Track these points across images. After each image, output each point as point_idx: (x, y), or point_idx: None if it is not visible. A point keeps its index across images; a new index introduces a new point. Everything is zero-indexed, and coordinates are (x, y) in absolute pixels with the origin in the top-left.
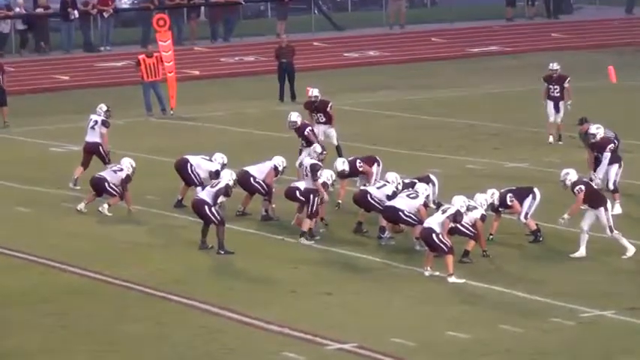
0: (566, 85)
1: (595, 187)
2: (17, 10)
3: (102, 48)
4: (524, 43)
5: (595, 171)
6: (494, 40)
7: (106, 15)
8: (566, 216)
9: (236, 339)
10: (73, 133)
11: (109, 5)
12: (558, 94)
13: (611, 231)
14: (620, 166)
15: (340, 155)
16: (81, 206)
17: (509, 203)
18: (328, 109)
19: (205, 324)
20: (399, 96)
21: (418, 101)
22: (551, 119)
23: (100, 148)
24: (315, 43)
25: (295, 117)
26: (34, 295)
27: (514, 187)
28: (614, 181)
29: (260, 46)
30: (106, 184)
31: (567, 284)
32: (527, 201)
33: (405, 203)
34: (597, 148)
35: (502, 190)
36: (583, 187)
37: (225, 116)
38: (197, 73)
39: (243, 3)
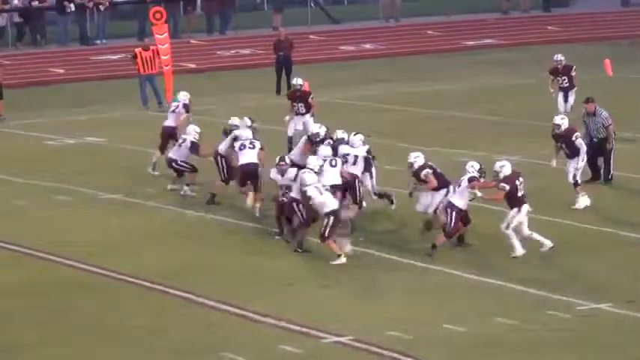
0: (573, 74)
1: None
2: (14, 2)
3: (98, 41)
4: (519, 36)
5: (572, 159)
6: (489, 33)
7: (102, 8)
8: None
9: (233, 332)
10: (68, 127)
11: None
12: (567, 84)
13: (507, 228)
14: (582, 160)
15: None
16: (171, 186)
17: (422, 177)
18: (310, 99)
19: (203, 317)
20: (395, 89)
21: (413, 94)
22: (562, 109)
23: (177, 132)
24: (311, 36)
25: (301, 81)
26: (31, 288)
27: (440, 171)
28: (574, 174)
29: (256, 39)
30: (174, 164)
31: (564, 277)
32: (440, 194)
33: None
34: (561, 139)
35: (427, 163)
36: (507, 186)
37: (222, 109)
38: (193, 66)
39: None
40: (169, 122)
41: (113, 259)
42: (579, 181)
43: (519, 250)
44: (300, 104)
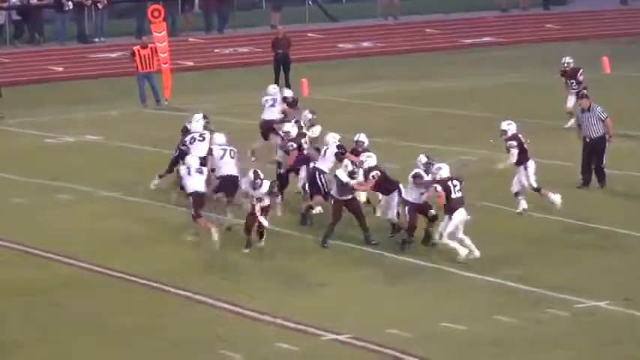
0: (580, 77)
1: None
2: (12, 0)
3: (96, 39)
4: (518, 34)
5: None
6: (488, 31)
7: (100, 6)
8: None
9: (230, 330)
10: (67, 124)
11: None
12: (576, 88)
13: (440, 238)
14: (527, 168)
15: None
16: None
17: (369, 177)
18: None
19: (200, 315)
20: (393, 87)
21: (412, 92)
22: (569, 105)
23: (275, 125)
24: (309, 34)
25: (291, 93)
26: (29, 286)
27: (383, 171)
28: (529, 181)
29: (254, 37)
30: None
31: (562, 275)
32: (393, 196)
33: None
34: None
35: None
36: (440, 187)
37: (220, 107)
38: (191, 64)
39: None
40: (269, 116)
41: (111, 257)
42: (535, 187)
43: (463, 252)
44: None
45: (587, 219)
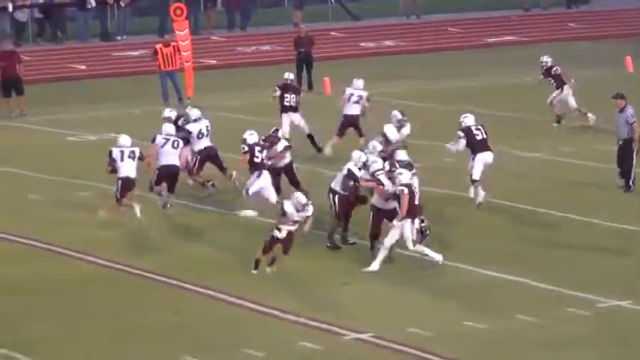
0: (555, 72)
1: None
2: None
3: (119, 37)
4: (540, 33)
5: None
6: (510, 30)
7: (122, 4)
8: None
9: (253, 329)
10: (89, 122)
11: None
12: (554, 83)
13: (413, 244)
14: (483, 160)
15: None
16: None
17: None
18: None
19: (222, 314)
20: (415, 85)
21: (434, 91)
22: (572, 103)
23: (359, 120)
24: (331, 33)
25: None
26: (51, 283)
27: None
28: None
29: (277, 35)
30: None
31: (584, 274)
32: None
33: None
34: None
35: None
36: (407, 190)
37: (242, 105)
38: (214, 62)
39: None
40: (353, 111)
41: (132, 254)
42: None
43: (437, 256)
44: (292, 96)
45: (611, 219)
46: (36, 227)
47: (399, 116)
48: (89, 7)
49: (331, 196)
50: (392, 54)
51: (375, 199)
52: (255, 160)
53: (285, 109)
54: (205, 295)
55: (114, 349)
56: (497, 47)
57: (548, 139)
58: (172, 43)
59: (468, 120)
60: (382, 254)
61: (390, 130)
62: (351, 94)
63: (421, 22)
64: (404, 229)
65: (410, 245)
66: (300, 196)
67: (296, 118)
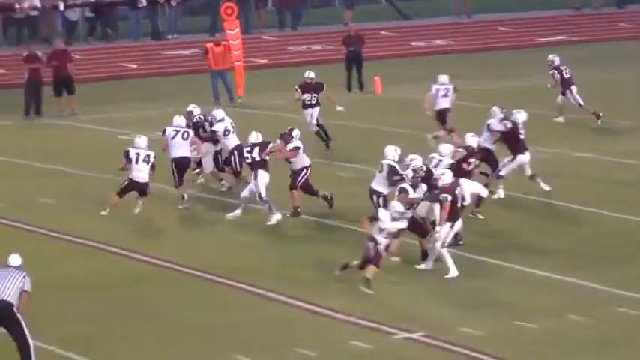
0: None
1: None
2: None
3: (169, 36)
4: (591, 33)
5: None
6: (560, 30)
7: (173, 3)
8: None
9: (303, 328)
10: (140, 122)
11: None
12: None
13: (442, 245)
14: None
15: (326, 137)
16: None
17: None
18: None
19: (272, 313)
20: (466, 85)
21: (484, 90)
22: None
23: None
24: (382, 33)
25: (313, 74)
26: (102, 281)
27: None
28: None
29: (327, 34)
30: None
31: (635, 274)
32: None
33: None
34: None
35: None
36: (450, 198)
37: (293, 105)
38: (265, 61)
39: None
40: (444, 104)
41: (181, 253)
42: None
43: (454, 271)
44: (313, 95)
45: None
46: (87, 226)
47: (499, 112)
48: (140, 5)
49: (375, 197)
50: (442, 53)
51: (397, 205)
52: (246, 160)
53: (305, 106)
54: (256, 294)
55: (163, 348)
56: (547, 47)
57: (597, 138)
58: (223, 43)
59: (519, 116)
60: (450, 261)
61: (497, 126)
62: (438, 89)
63: (471, 21)
64: (441, 229)
65: (438, 245)
66: (397, 205)
67: (315, 112)
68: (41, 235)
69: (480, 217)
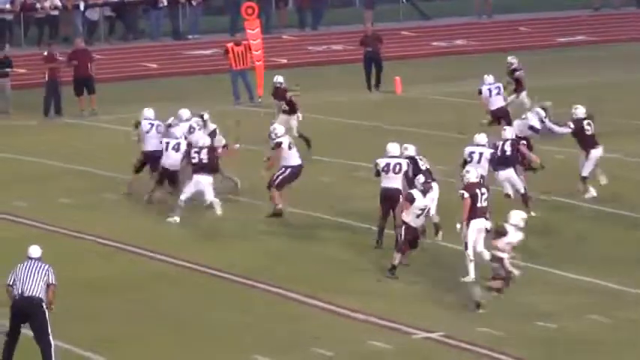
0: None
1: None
2: None
3: (190, 36)
4: (611, 33)
5: None
6: (581, 30)
7: (194, 3)
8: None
9: (322, 327)
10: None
11: None
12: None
13: (466, 247)
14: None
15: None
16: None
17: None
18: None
19: (291, 312)
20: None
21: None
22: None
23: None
24: (402, 32)
25: (281, 79)
26: (122, 282)
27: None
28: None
29: (348, 34)
30: None
31: None
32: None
33: None
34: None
35: None
36: (467, 195)
37: (313, 105)
38: (285, 61)
39: None
40: (499, 103)
41: (202, 253)
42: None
43: (471, 275)
44: (281, 102)
45: None
46: (109, 226)
47: (541, 111)
48: (161, 5)
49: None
50: (463, 53)
51: (404, 215)
52: (192, 160)
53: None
54: (275, 294)
55: (182, 348)
56: (568, 47)
57: (626, 139)
58: (243, 42)
59: (579, 111)
60: (471, 266)
61: (535, 122)
62: (489, 89)
63: (492, 21)
64: (464, 230)
65: (467, 249)
66: (519, 214)
67: (290, 118)
68: (61, 235)
69: (533, 213)
